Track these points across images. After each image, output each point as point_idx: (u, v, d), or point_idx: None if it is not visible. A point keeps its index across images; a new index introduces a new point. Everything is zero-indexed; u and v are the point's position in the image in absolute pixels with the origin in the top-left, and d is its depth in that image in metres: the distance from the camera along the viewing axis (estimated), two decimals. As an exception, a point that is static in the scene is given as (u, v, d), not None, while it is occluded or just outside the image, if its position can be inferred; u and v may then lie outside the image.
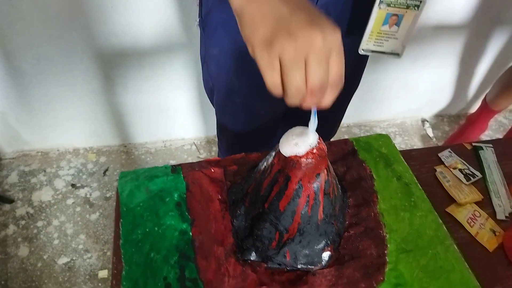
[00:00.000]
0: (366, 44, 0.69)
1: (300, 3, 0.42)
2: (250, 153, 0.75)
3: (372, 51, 0.70)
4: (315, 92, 0.41)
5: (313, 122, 0.49)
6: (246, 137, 0.97)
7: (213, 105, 1.03)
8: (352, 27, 0.73)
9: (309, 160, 0.51)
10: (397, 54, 0.70)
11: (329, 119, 1.02)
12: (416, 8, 0.63)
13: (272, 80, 0.42)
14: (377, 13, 0.65)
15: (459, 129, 1.78)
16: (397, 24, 0.66)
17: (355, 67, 0.90)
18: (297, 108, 0.89)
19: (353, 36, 0.72)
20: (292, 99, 0.43)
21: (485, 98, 1.70)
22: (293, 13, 0.40)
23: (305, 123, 0.52)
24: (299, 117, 0.99)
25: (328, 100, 0.43)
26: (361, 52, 0.71)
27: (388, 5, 0.63)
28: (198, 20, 0.82)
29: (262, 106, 0.90)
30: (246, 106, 0.89)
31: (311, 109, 0.46)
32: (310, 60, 0.39)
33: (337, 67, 0.41)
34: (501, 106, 1.64)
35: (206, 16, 0.77)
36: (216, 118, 1.02)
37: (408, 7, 0.63)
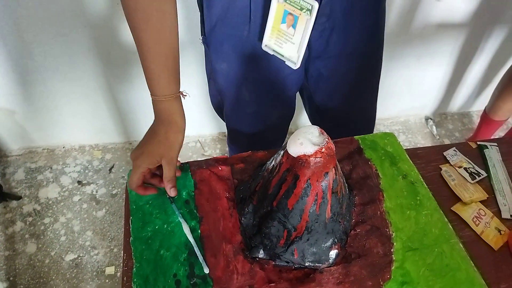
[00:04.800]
0: (269, 40, 0.69)
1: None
2: (257, 151, 0.75)
3: (273, 50, 0.70)
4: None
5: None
6: (259, 142, 0.99)
7: (221, 118, 1.05)
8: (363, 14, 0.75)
9: (318, 159, 0.52)
10: (293, 63, 0.69)
11: (360, 111, 1.01)
12: (308, 12, 0.62)
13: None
14: (276, 8, 0.65)
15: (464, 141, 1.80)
16: (294, 26, 0.65)
17: (370, 56, 0.88)
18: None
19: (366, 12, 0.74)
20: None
21: (484, 109, 1.72)
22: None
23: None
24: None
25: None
26: (264, 47, 0.71)
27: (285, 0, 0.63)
28: (201, 38, 0.83)
29: (273, 112, 0.92)
30: (258, 114, 0.91)
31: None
32: None
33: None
34: (500, 115, 1.65)
35: (210, 33, 0.77)
36: (228, 128, 1.03)
37: (302, 9, 0.63)
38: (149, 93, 0.68)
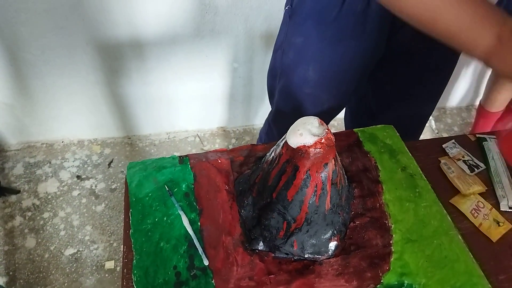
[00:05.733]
0: None
1: None
2: (256, 144, 0.75)
3: None
4: None
5: None
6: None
7: (270, 92, 1.05)
8: None
9: (317, 150, 0.52)
10: None
11: (417, 115, 1.03)
12: None
13: None
14: None
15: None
16: None
17: (447, 65, 0.91)
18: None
19: None
20: None
21: (480, 102, 1.73)
22: None
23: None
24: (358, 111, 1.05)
25: None
26: None
27: None
28: (286, 8, 0.84)
29: (329, 99, 0.92)
30: (314, 97, 0.91)
31: None
32: None
33: None
34: (497, 106, 1.66)
35: (298, 5, 0.79)
36: (276, 105, 1.03)
37: None
38: None
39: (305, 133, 0.53)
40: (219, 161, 0.72)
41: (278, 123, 1.07)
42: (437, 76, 0.92)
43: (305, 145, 0.52)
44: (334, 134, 0.61)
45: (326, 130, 0.53)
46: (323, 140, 0.52)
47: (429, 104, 1.00)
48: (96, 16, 1.29)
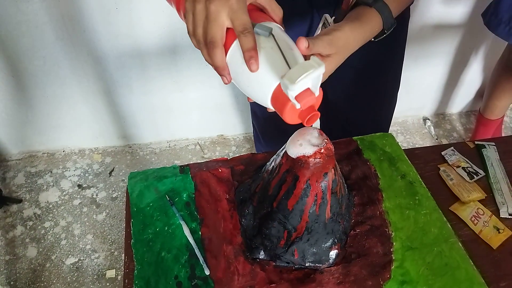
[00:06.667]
0: None
1: None
2: (257, 153, 0.76)
3: None
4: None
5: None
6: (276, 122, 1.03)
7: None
8: None
9: (317, 160, 0.52)
10: None
11: (371, 117, 1.03)
12: None
13: None
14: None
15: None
16: None
17: (383, 63, 0.89)
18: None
19: None
20: None
21: (479, 110, 1.74)
22: None
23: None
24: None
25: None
26: None
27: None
28: None
29: None
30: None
31: None
32: None
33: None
34: (497, 113, 1.67)
35: None
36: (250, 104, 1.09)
37: None
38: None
39: (304, 143, 0.53)
40: (220, 170, 0.72)
41: (254, 120, 1.12)
42: (383, 72, 0.90)
43: (304, 155, 0.53)
44: (334, 142, 0.62)
45: (326, 141, 0.54)
46: (322, 150, 0.53)
47: (380, 104, 1.00)
48: (97, 27, 1.31)
